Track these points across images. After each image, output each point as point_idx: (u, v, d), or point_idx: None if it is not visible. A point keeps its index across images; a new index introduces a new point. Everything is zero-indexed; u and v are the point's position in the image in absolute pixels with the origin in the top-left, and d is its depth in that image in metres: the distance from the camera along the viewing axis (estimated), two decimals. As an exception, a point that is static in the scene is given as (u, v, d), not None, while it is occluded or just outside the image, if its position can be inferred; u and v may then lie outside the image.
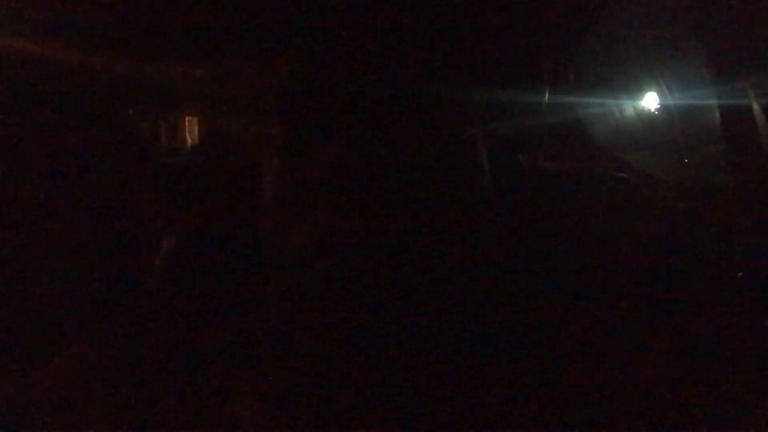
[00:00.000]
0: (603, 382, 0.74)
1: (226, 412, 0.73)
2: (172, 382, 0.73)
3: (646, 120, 0.77)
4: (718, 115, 0.75)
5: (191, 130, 0.77)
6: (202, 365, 0.73)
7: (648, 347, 0.75)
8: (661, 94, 0.76)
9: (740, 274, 0.73)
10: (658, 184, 0.78)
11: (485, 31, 0.75)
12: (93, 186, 0.74)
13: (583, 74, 0.76)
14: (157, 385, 0.73)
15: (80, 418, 0.72)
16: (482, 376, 0.73)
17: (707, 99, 0.75)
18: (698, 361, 0.73)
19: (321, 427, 0.73)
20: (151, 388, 0.73)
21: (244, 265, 0.74)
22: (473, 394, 0.73)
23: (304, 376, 0.73)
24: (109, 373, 0.74)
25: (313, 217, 0.73)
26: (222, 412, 0.73)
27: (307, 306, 0.74)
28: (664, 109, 0.76)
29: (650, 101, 0.76)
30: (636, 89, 0.77)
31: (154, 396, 0.73)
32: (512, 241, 0.75)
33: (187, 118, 0.77)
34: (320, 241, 0.73)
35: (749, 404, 0.72)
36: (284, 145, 0.74)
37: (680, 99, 0.76)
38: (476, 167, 0.75)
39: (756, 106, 0.73)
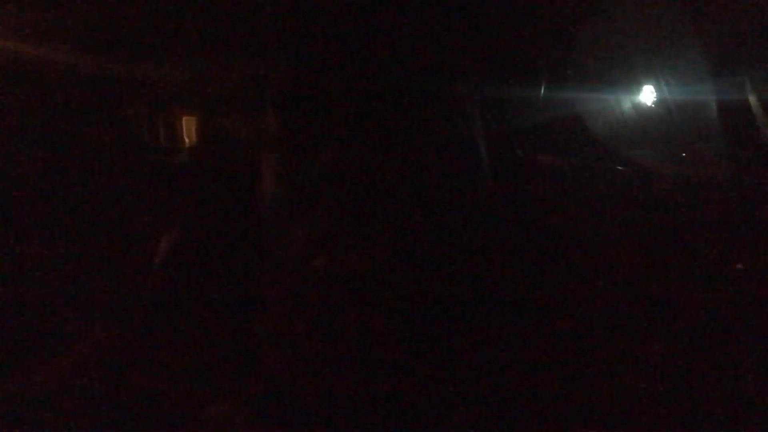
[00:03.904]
0: (602, 379, 0.74)
1: (225, 412, 0.73)
2: (172, 382, 0.73)
3: (645, 114, 0.77)
4: (716, 109, 0.75)
5: (189, 130, 0.76)
6: (201, 365, 0.73)
7: (647, 344, 0.75)
8: (659, 89, 0.76)
9: (739, 265, 0.74)
10: (657, 178, 0.78)
11: (482, 28, 0.75)
12: (92, 185, 0.74)
13: (582, 69, 0.77)
14: (156, 385, 0.73)
15: (80, 418, 0.72)
16: (483, 375, 0.73)
17: (706, 93, 0.76)
18: (698, 358, 0.74)
19: (321, 428, 0.73)
20: (150, 388, 0.73)
21: (242, 265, 0.74)
22: (474, 393, 0.73)
23: (302, 376, 0.73)
24: (109, 373, 0.73)
25: (312, 216, 0.73)
26: (221, 413, 0.73)
27: (305, 306, 0.74)
28: (662, 103, 0.76)
29: (649, 96, 0.77)
30: (635, 84, 0.77)
31: (153, 396, 0.72)
32: (512, 238, 0.75)
33: (185, 118, 0.77)
34: (318, 240, 0.73)
35: (749, 403, 0.72)
36: (282, 145, 0.74)
37: (679, 93, 0.76)
38: (475, 164, 0.75)
39: (754, 100, 0.74)
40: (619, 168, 0.77)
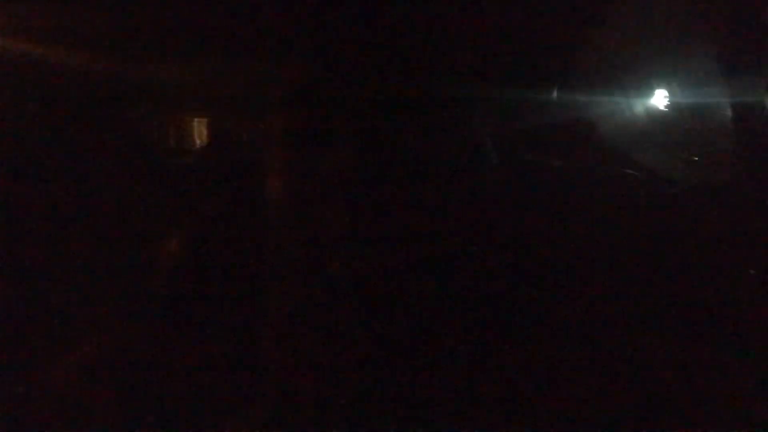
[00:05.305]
0: (606, 381, 0.73)
1: (228, 414, 0.73)
2: (174, 383, 0.72)
3: (655, 118, 0.77)
4: (727, 112, 0.75)
5: (196, 131, 0.76)
6: (204, 367, 0.72)
7: (654, 347, 0.74)
8: (670, 92, 0.76)
9: (752, 271, 0.73)
10: (667, 181, 0.78)
11: (492, 30, 0.75)
12: (97, 186, 0.74)
13: (591, 72, 0.77)
14: (158, 385, 0.72)
15: (80, 419, 0.71)
16: (486, 377, 0.73)
17: (716, 97, 0.75)
18: (705, 360, 0.73)
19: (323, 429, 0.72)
20: (152, 388, 0.72)
21: (249, 267, 0.73)
22: (476, 395, 0.73)
23: (308, 380, 0.73)
24: (111, 374, 0.73)
25: (320, 218, 0.73)
26: (225, 415, 0.73)
27: (312, 308, 0.74)
28: (672, 106, 0.76)
29: (659, 99, 0.76)
30: (645, 87, 0.77)
31: (155, 397, 0.72)
32: (520, 241, 0.75)
33: (192, 119, 0.76)
34: (326, 243, 0.73)
35: (753, 404, 0.72)
36: (290, 147, 0.74)
37: (689, 97, 0.76)
38: (483, 166, 0.75)
39: (766, 103, 0.73)
40: (629, 171, 0.77)
